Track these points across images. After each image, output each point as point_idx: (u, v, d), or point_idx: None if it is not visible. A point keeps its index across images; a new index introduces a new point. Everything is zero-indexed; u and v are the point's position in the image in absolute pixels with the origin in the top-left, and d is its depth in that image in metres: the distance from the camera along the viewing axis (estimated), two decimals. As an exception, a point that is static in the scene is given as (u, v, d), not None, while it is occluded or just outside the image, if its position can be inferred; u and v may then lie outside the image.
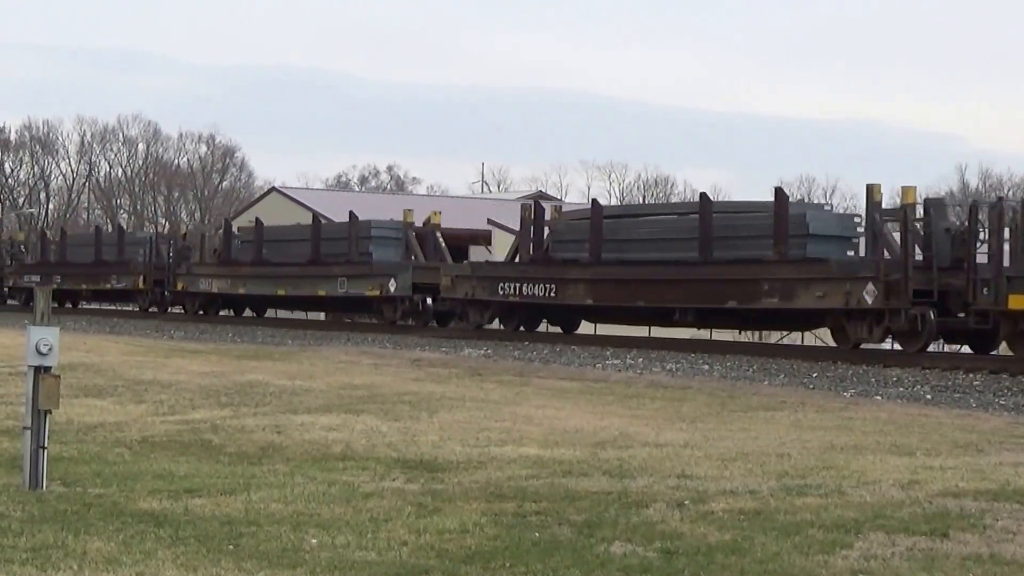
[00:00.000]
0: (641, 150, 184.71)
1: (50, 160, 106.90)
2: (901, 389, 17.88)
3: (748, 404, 15.48)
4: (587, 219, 28.45)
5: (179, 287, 40.58)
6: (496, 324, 31.38)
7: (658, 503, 8.89)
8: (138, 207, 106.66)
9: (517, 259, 30.27)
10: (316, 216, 36.81)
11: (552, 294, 28.21)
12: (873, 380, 19.00)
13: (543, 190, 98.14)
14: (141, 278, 42.19)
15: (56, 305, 47.56)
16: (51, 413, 9.38)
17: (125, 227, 61.63)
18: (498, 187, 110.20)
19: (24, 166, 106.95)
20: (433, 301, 32.09)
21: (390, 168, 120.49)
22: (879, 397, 16.96)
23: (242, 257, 38.89)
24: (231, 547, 7.56)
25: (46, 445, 9.29)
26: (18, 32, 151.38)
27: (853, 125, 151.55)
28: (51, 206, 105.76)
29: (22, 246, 52.35)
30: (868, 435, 12.63)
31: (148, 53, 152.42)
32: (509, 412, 14.54)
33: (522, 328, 29.81)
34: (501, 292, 29.46)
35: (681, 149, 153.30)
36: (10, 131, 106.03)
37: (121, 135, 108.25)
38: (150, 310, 42.16)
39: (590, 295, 27.55)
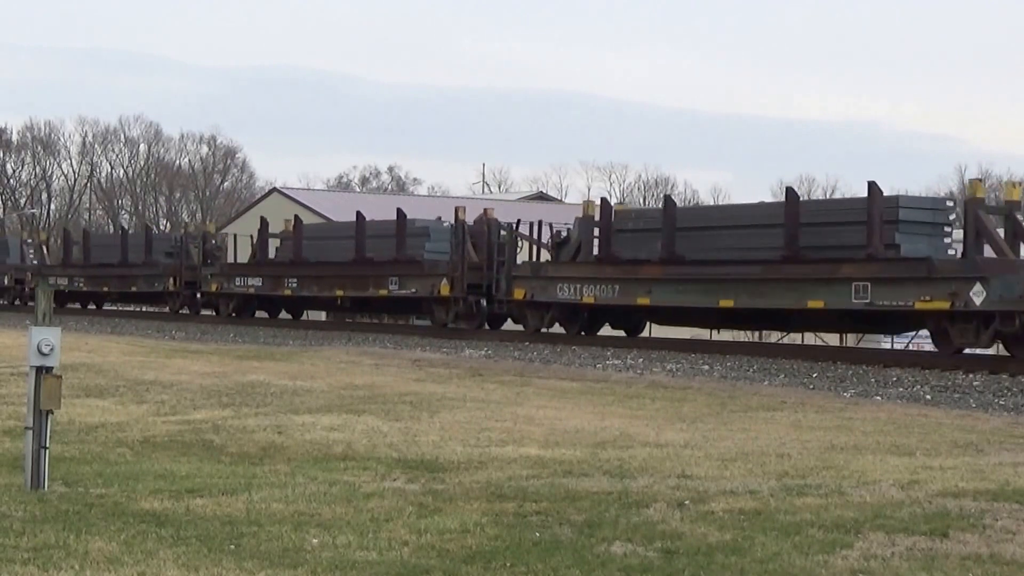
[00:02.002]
0: (641, 151, 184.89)
1: (52, 161, 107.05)
2: (901, 389, 17.89)
3: (748, 404, 15.49)
4: (649, 216, 27.07)
5: (213, 288, 38.77)
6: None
7: (658, 503, 8.90)
8: (139, 208, 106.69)
9: (574, 258, 28.10)
10: (360, 214, 34.32)
11: (619, 295, 26.39)
12: (873, 380, 19.02)
13: (543, 191, 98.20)
14: (171, 280, 40.49)
15: (78, 306, 46.13)
16: (53, 413, 9.39)
17: (152, 228, 59.24)
18: (499, 188, 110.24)
19: (26, 167, 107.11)
20: (488, 303, 30.20)
21: (391, 169, 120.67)
22: (879, 397, 16.97)
23: (281, 256, 37.39)
24: (232, 547, 7.57)
25: (48, 445, 9.31)
26: (19, 33, 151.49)
27: (853, 126, 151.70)
28: (53, 207, 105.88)
29: (43, 247, 51.01)
30: (868, 435, 12.65)
31: (149, 54, 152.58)
32: (510, 412, 14.56)
33: (583, 332, 27.86)
34: (562, 293, 27.69)
35: (681, 150, 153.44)
36: (12, 132, 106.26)
37: (123, 136, 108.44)
38: (180, 312, 40.54)
39: (664, 295, 25.61)
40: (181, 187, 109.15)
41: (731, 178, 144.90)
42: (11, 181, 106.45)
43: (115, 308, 46.55)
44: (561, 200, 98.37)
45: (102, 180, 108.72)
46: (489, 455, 11.40)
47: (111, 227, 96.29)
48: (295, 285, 35.89)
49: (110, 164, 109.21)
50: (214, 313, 39.83)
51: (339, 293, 34.38)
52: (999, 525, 8.16)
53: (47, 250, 51.22)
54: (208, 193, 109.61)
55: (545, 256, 30.21)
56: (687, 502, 8.92)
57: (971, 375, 19.31)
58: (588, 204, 29.48)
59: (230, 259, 40.91)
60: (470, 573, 7.07)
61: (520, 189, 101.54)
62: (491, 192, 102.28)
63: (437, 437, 12.58)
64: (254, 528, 8.09)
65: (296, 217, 37.97)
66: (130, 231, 52.41)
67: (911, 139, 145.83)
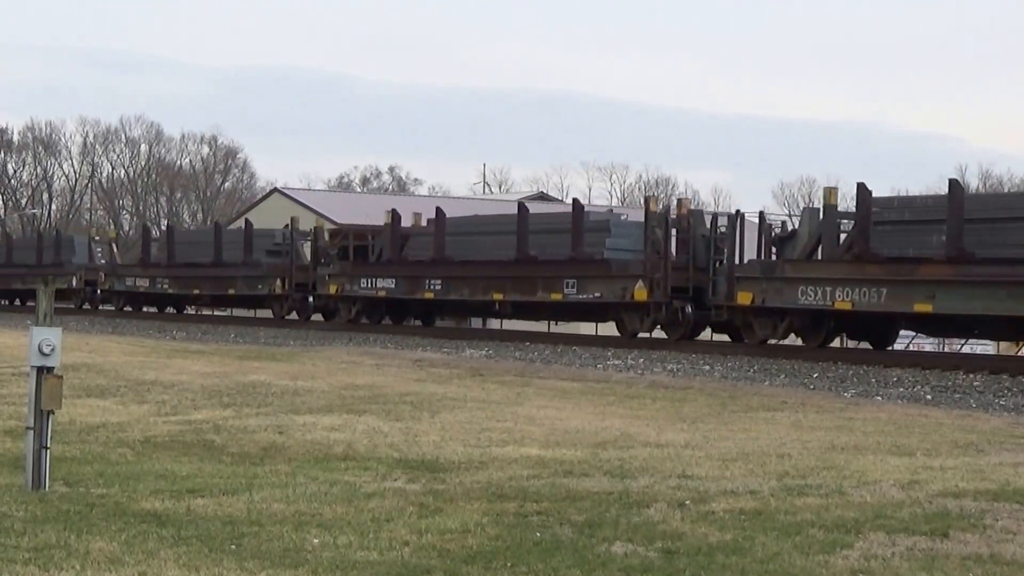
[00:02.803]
0: (642, 151, 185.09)
1: (53, 161, 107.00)
2: (901, 389, 17.91)
3: (749, 404, 15.50)
4: (922, 206, 23.26)
5: (332, 290, 34.34)
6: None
7: (659, 503, 8.91)
8: (140, 208, 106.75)
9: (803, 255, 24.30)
10: (522, 204, 30.29)
11: (886, 300, 22.10)
12: (873, 381, 19.03)
13: (544, 191, 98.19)
14: (279, 281, 36.24)
15: (155, 310, 43.47)
16: (54, 413, 9.40)
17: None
18: (499, 188, 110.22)
19: (27, 167, 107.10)
20: (695, 308, 26.05)
21: (392, 169, 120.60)
22: (879, 397, 16.98)
23: (417, 254, 32.83)
24: (233, 547, 7.58)
25: (49, 445, 9.32)
26: (21, 33, 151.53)
27: (853, 126, 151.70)
28: (54, 207, 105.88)
29: (112, 244, 47.37)
30: (868, 435, 12.65)
31: (150, 55, 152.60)
32: (511, 412, 14.57)
33: (824, 344, 24.21)
34: (804, 298, 23.39)
35: (682, 150, 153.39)
36: (13, 132, 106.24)
37: (123, 136, 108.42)
38: (287, 317, 36.72)
39: (953, 301, 21.17)
40: (182, 187, 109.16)
41: (731, 178, 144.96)
42: (12, 181, 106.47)
43: (207, 312, 44.16)
44: (562, 200, 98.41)
45: (103, 180, 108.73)
46: (490, 455, 11.41)
47: (112, 227, 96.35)
48: (439, 287, 31.44)
49: (111, 164, 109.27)
50: (323, 318, 36.09)
51: (498, 297, 29.98)
52: (999, 525, 8.17)
53: (116, 248, 47.80)
54: (209, 193, 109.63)
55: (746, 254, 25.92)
56: (688, 502, 8.92)
57: (971, 375, 19.33)
58: (830, 192, 24.51)
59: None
60: (471, 573, 7.08)
61: (521, 189, 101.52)
62: (491, 192, 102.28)
63: (438, 437, 12.59)
64: (255, 528, 8.09)
65: (438, 210, 32.48)
66: (225, 227, 45.47)
67: (911, 139, 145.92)
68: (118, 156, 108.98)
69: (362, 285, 33.62)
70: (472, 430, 13.11)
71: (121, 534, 7.85)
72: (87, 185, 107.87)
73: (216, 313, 44.24)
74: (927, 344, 40.83)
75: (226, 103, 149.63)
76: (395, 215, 33.91)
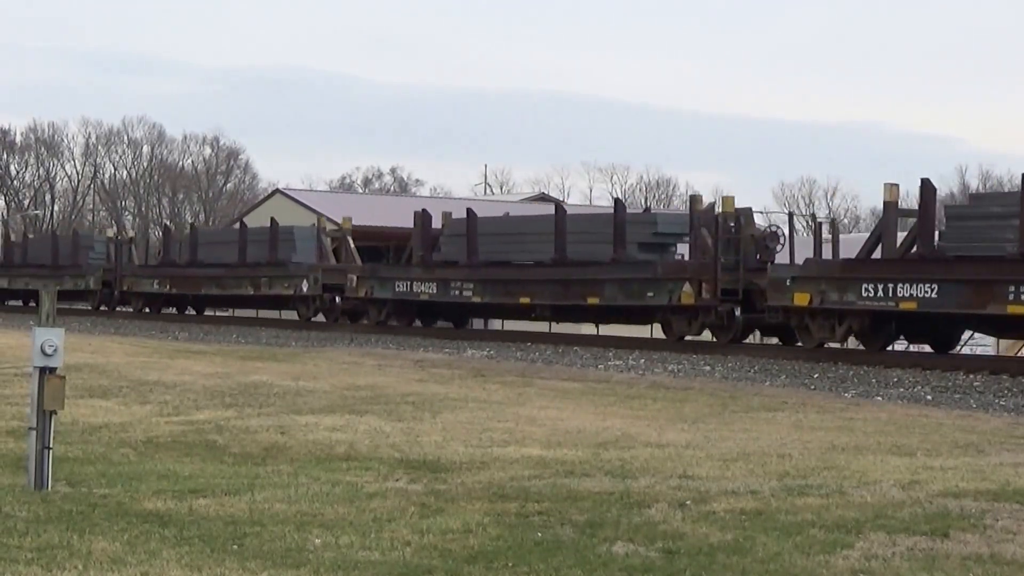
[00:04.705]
0: (643, 152, 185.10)
1: (55, 162, 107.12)
2: (902, 390, 17.92)
3: (749, 405, 15.51)
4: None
5: (362, 293, 33.08)
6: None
7: (660, 503, 8.93)
8: (143, 209, 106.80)
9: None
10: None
11: (968, 300, 20.66)
12: (874, 381, 19.04)
13: (545, 192, 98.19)
14: (307, 282, 34.82)
15: (174, 311, 41.91)
16: (56, 414, 9.42)
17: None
18: (500, 189, 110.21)
19: (29, 168, 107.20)
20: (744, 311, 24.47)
21: (393, 170, 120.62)
22: (880, 398, 16.99)
23: (448, 255, 31.35)
24: (235, 547, 7.60)
25: (51, 446, 9.34)
26: (23, 35, 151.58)
27: (854, 127, 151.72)
28: (56, 208, 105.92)
29: (131, 245, 45.04)
30: (869, 435, 12.67)
31: (153, 56, 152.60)
32: (512, 413, 14.59)
33: (885, 347, 22.94)
34: (867, 297, 21.99)
35: (682, 151, 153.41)
36: (15, 133, 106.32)
37: (126, 137, 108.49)
38: (313, 319, 35.06)
39: None
40: (184, 188, 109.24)
41: (732, 179, 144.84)
42: (15, 182, 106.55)
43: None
44: (563, 201, 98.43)
45: (105, 181, 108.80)
46: (491, 455, 11.43)
47: (114, 228, 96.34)
48: (473, 289, 30.00)
49: (113, 165, 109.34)
50: (349, 320, 34.56)
51: (524, 301, 28.66)
52: (1000, 525, 8.18)
53: (135, 249, 45.12)
54: (211, 194, 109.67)
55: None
56: (688, 502, 8.94)
57: (972, 376, 19.33)
58: (891, 189, 23.03)
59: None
60: (472, 573, 7.10)
61: (522, 190, 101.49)
62: (493, 193, 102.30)
63: (439, 437, 12.61)
64: (257, 528, 8.11)
65: (469, 211, 31.07)
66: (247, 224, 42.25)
67: (912, 140, 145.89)
68: (120, 157, 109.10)
69: (398, 289, 32.15)
70: (473, 430, 13.13)
71: (123, 534, 7.87)
72: (89, 186, 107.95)
73: (218, 313, 43.76)
74: (927, 344, 40.77)
75: (228, 104, 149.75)
76: (425, 215, 32.69)
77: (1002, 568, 7.21)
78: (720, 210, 25.67)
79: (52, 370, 9.28)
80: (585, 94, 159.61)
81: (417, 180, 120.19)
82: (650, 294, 25.92)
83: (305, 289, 34.86)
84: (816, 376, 19.89)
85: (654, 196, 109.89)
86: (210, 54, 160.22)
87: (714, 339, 25.44)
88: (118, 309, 43.86)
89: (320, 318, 35.43)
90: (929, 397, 17.14)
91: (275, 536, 7.89)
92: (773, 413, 14.61)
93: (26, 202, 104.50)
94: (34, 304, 47.11)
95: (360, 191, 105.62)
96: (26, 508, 8.63)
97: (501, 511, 8.68)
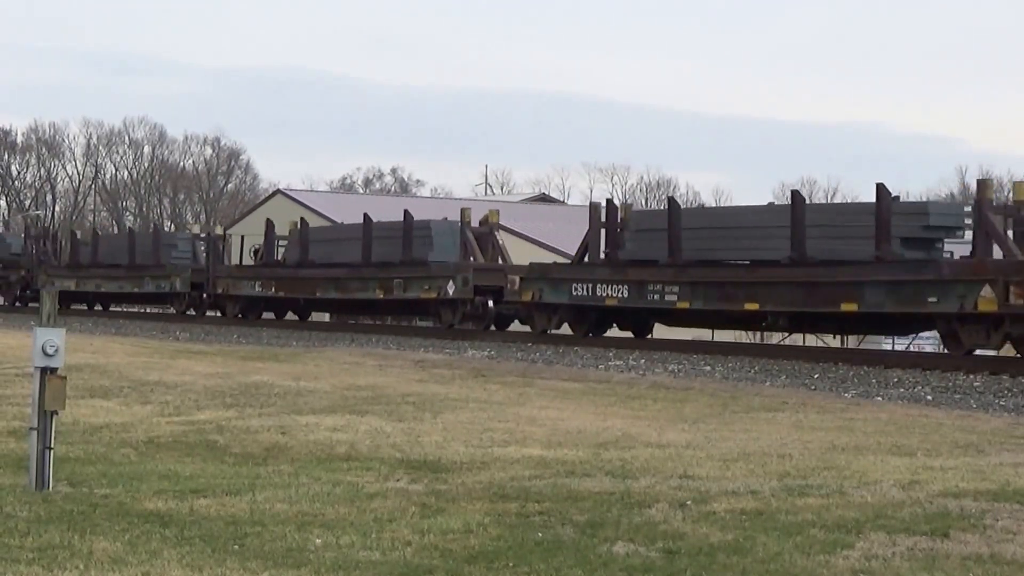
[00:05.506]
0: (643, 152, 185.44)
1: (56, 162, 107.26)
2: (902, 390, 17.92)
3: (750, 405, 15.52)
4: None
5: (527, 297, 28.54)
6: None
7: (660, 503, 8.94)
8: (144, 209, 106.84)
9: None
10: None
11: None
12: (874, 381, 19.04)
13: (546, 192, 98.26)
14: (451, 283, 30.23)
15: (270, 316, 37.40)
16: (57, 414, 9.44)
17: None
18: (501, 189, 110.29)
19: (31, 168, 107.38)
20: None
21: (394, 171, 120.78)
22: (880, 398, 17.00)
23: (637, 253, 26.74)
24: (236, 547, 7.61)
25: (52, 446, 9.35)
26: (24, 35, 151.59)
27: (854, 127, 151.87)
28: (57, 208, 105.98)
29: (221, 243, 40.08)
30: (869, 436, 12.67)
31: (153, 56, 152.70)
32: (512, 413, 14.59)
33: None
34: None
35: (683, 151, 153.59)
36: (17, 133, 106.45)
37: (127, 138, 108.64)
38: (457, 326, 30.51)
39: None
40: (185, 189, 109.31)
41: (732, 180, 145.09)
42: (16, 183, 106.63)
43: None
44: (564, 202, 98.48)
45: (106, 182, 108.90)
46: (492, 455, 11.43)
47: (115, 228, 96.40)
48: (677, 293, 25.35)
49: (114, 166, 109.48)
50: (494, 327, 30.31)
51: (752, 307, 24.15)
52: (1000, 525, 8.19)
53: (225, 247, 40.22)
54: (212, 195, 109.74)
55: None
56: (689, 502, 8.95)
57: (972, 376, 19.32)
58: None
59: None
60: (473, 573, 7.11)
61: (523, 191, 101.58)
62: (494, 194, 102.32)
63: (440, 438, 12.62)
64: (258, 528, 8.12)
65: (671, 200, 26.94)
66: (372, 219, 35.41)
67: (912, 140, 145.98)
68: (121, 158, 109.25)
69: (576, 292, 27.27)
70: (474, 430, 13.13)
71: (124, 534, 7.88)
72: (90, 187, 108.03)
73: (328, 319, 39.17)
74: (927, 345, 40.89)
75: (229, 105, 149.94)
76: (610, 207, 27.81)
77: (1002, 568, 7.22)
78: (1012, 197, 21.87)
79: (53, 370, 9.29)
80: (585, 94, 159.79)
81: (418, 180, 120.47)
82: (932, 299, 21.07)
83: (451, 292, 30.12)
84: (816, 376, 19.89)
85: (654, 196, 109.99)
86: (210, 54, 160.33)
87: (1019, 355, 20.81)
88: (207, 314, 39.56)
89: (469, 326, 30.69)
90: (929, 397, 17.15)
91: (276, 536, 7.90)
92: (773, 413, 14.62)
93: (27, 203, 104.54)
94: (100, 308, 44.81)
95: (361, 191, 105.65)
96: (27, 508, 8.65)
97: (502, 511, 8.69)
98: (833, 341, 35.40)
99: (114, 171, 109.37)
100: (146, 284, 40.66)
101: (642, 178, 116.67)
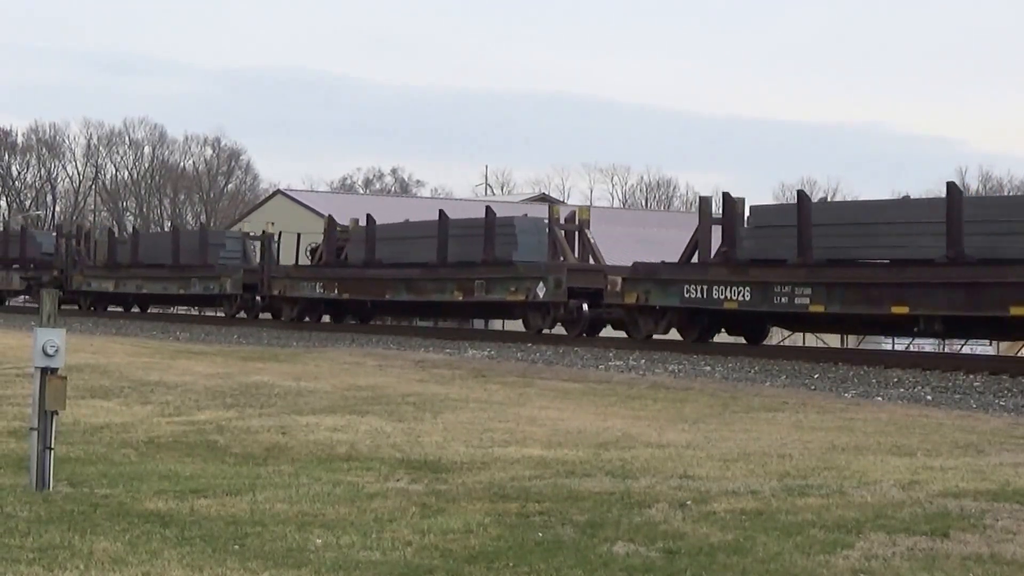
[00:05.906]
0: (643, 153, 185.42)
1: (57, 163, 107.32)
2: (902, 390, 17.92)
3: (750, 405, 15.52)
4: None
5: (632, 299, 25.93)
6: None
7: (660, 503, 8.94)
8: (144, 210, 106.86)
9: None
10: (954, 187, 21.12)
11: None
12: (874, 381, 19.04)
13: (546, 192, 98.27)
14: (541, 284, 27.85)
15: (362, 321, 34.63)
16: (58, 414, 9.44)
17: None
18: (501, 189, 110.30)
19: (31, 169, 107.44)
20: None
21: (394, 171, 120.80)
22: (880, 398, 17.00)
23: (756, 251, 24.30)
24: (236, 547, 7.61)
25: (53, 446, 9.35)
26: (24, 35, 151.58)
27: (854, 128, 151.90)
28: (57, 208, 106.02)
29: (274, 243, 37.26)
30: (869, 436, 12.68)
31: (154, 57, 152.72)
32: (512, 413, 14.60)
33: None
34: None
35: (683, 152, 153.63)
36: (17, 134, 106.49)
37: (127, 138, 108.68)
38: (548, 331, 28.31)
39: None
40: (185, 189, 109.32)
41: (732, 180, 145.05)
42: (16, 183, 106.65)
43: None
44: (564, 202, 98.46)
45: (107, 182, 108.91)
46: (492, 456, 11.44)
47: (116, 229, 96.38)
48: (809, 295, 22.76)
49: (115, 166, 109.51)
50: (586, 331, 27.94)
51: (900, 310, 21.43)
52: (1000, 525, 8.19)
53: (279, 247, 37.82)
54: (212, 195, 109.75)
55: None
56: (689, 502, 8.95)
57: (972, 376, 19.33)
58: None
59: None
60: (473, 573, 7.11)
61: (523, 191, 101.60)
62: (494, 194, 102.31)
63: (440, 438, 12.62)
64: (258, 528, 8.12)
65: (800, 193, 23.83)
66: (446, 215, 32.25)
67: (912, 141, 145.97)
68: (122, 158, 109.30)
69: (688, 295, 24.93)
70: (474, 430, 13.14)
71: (125, 534, 7.88)
72: (91, 187, 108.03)
73: (395, 323, 36.93)
74: (927, 344, 40.89)
75: (229, 105, 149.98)
76: (727, 200, 24.89)
77: (1002, 568, 7.22)
78: None
79: (54, 370, 9.29)
80: (585, 94, 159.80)
81: (418, 181, 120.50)
82: None
83: (542, 294, 27.73)
84: (816, 376, 19.90)
85: (654, 197, 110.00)
86: (210, 54, 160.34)
87: None
88: (261, 316, 37.47)
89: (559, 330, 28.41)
90: (929, 397, 17.15)
91: (276, 536, 7.91)
92: (773, 413, 14.62)
93: (27, 203, 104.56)
94: (139, 310, 42.76)
95: (361, 192, 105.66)
96: (28, 508, 8.65)
97: (502, 511, 8.69)
98: (833, 341, 35.37)
99: (114, 171, 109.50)
100: (193, 285, 38.55)
101: (642, 178, 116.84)
